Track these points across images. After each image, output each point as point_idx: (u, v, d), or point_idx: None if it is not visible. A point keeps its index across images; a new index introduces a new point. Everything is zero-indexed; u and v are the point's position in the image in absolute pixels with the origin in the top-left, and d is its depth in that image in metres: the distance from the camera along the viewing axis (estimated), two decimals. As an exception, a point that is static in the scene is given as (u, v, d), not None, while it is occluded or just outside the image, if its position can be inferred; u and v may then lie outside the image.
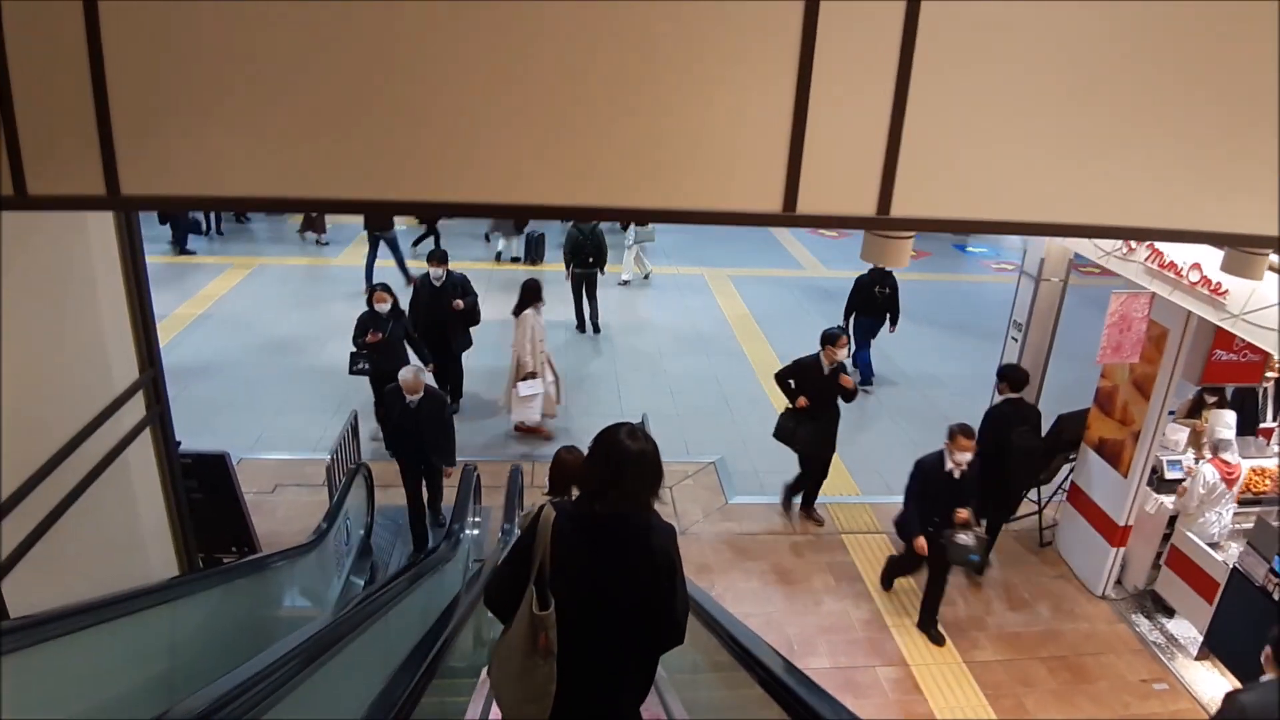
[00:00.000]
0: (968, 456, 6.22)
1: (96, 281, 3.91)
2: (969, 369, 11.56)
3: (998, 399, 7.42)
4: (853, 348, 9.93)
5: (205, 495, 5.83)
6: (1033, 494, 7.95)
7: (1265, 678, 3.97)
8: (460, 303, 8.87)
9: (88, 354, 3.82)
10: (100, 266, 3.95)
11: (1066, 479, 7.95)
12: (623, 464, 2.59)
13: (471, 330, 9.33)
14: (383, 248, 13.28)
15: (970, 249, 18.41)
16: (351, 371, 8.19)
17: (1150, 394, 6.93)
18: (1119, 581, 7.32)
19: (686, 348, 11.58)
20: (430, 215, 14.37)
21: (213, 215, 15.42)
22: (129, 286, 4.16)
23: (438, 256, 8.97)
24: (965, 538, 6.19)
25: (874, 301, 10.48)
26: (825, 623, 6.49)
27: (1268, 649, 4.01)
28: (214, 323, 11.89)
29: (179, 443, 5.61)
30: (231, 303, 12.70)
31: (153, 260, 13.81)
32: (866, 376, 10.67)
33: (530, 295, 8.57)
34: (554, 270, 15.11)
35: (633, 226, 13.67)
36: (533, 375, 8.56)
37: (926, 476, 6.43)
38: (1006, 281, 16.39)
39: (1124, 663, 6.57)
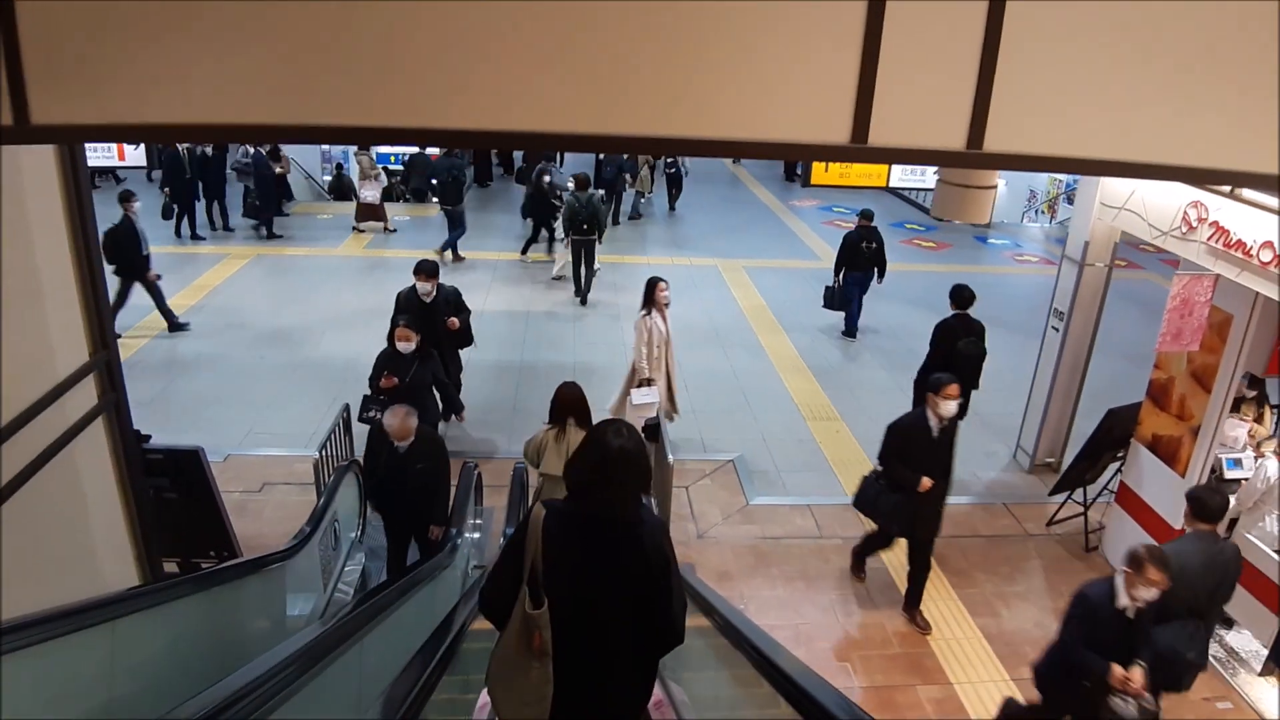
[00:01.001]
0: (1150, 593, 4.26)
1: (35, 250, 3.38)
2: (998, 362, 10.92)
3: (948, 314, 8.29)
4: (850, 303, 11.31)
5: (179, 495, 5.31)
6: (1077, 494, 7.38)
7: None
8: (455, 321, 7.78)
9: (23, 332, 3.29)
10: (40, 232, 3.42)
11: (1113, 478, 7.38)
12: (607, 461, 2.59)
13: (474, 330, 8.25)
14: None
15: (991, 240, 17.82)
16: (360, 419, 6.74)
17: (1211, 386, 6.36)
18: (1172, 590, 6.74)
19: (701, 341, 11.02)
20: (454, 201, 13.60)
21: (217, 209, 14.84)
22: (77, 257, 3.63)
23: (425, 269, 7.71)
24: (1127, 708, 4.29)
25: (861, 256, 11.08)
26: (859, 636, 5.93)
27: (1185, 507, 4.85)
28: (207, 314, 11.40)
29: (147, 437, 5.11)
30: (226, 293, 12.22)
31: (153, 251, 13.50)
32: (850, 329, 11.54)
33: (652, 292, 7.67)
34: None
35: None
36: (649, 382, 7.64)
37: (1093, 614, 4.40)
38: (1029, 273, 15.89)
39: (1183, 680, 5.99)
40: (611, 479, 2.60)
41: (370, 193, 15.44)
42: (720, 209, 18.82)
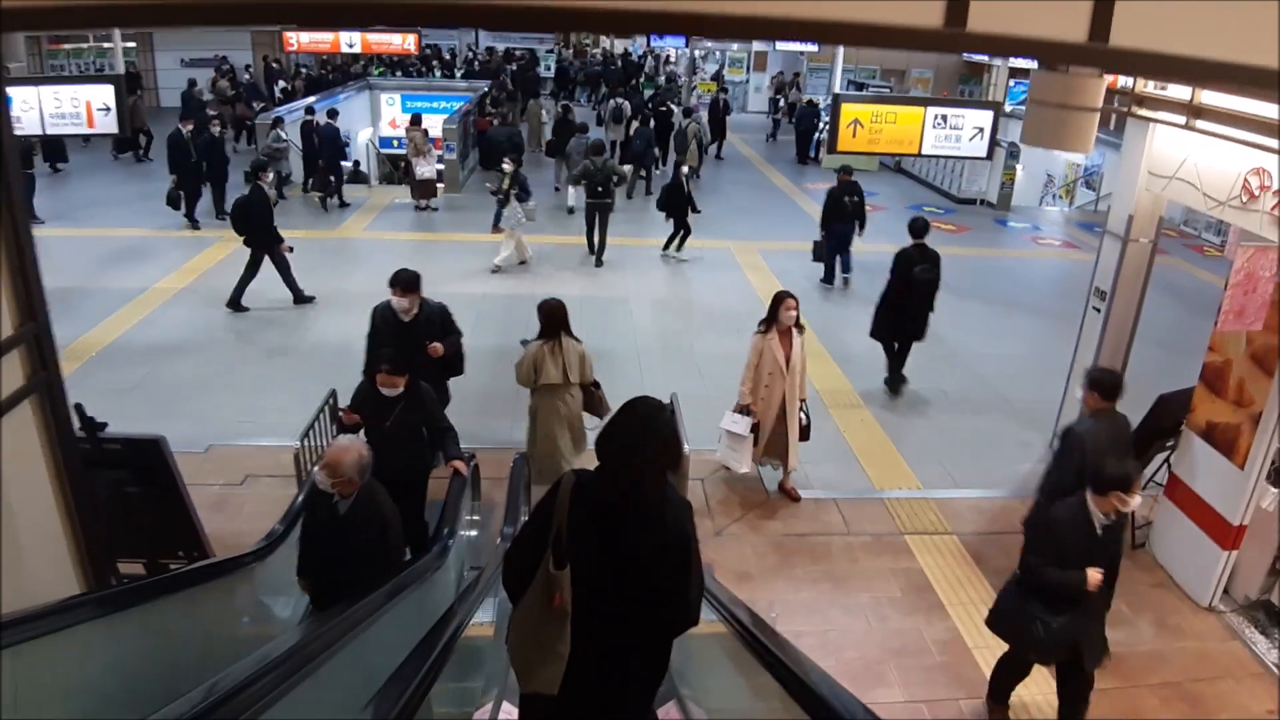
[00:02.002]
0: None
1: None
2: (1024, 347, 10.45)
3: (907, 244, 8.96)
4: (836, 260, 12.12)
5: (141, 489, 4.80)
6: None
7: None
8: (439, 347, 6.21)
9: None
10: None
11: (1159, 469, 6.82)
12: (639, 435, 2.62)
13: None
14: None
15: (1011, 223, 17.21)
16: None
17: (1273, 369, 5.79)
18: (1226, 590, 6.19)
19: (715, 325, 10.48)
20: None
21: (212, 194, 14.31)
22: (-2, 213, 3.09)
23: (403, 281, 6.09)
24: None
25: (844, 210, 11.69)
26: (894, 644, 5.39)
27: (1087, 391, 5.34)
28: (197, 297, 10.90)
29: (102, 424, 4.59)
30: (219, 275, 11.68)
31: (144, 233, 13.04)
32: (829, 277, 12.23)
33: (776, 308, 6.48)
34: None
35: (514, 203, 12.09)
36: (746, 411, 6.61)
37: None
38: (1051, 256, 15.30)
39: (1245, 690, 5.44)
40: (644, 453, 2.61)
41: (426, 168, 14.98)
42: (731, 191, 18.25)
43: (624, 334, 10.06)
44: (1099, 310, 7.60)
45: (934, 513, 6.73)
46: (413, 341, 5.99)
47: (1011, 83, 29.64)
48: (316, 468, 4.04)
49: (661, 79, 29.94)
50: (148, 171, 17.97)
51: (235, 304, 10.41)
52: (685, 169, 13.09)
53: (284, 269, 10.55)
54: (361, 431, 5.03)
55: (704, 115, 20.33)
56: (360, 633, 3.39)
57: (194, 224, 13.72)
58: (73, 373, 8.63)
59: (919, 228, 9.00)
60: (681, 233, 13.06)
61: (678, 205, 12.87)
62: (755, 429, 6.62)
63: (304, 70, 26.60)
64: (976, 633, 5.56)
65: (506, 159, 12.63)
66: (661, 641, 2.79)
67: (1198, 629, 5.92)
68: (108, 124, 7.42)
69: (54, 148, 16.69)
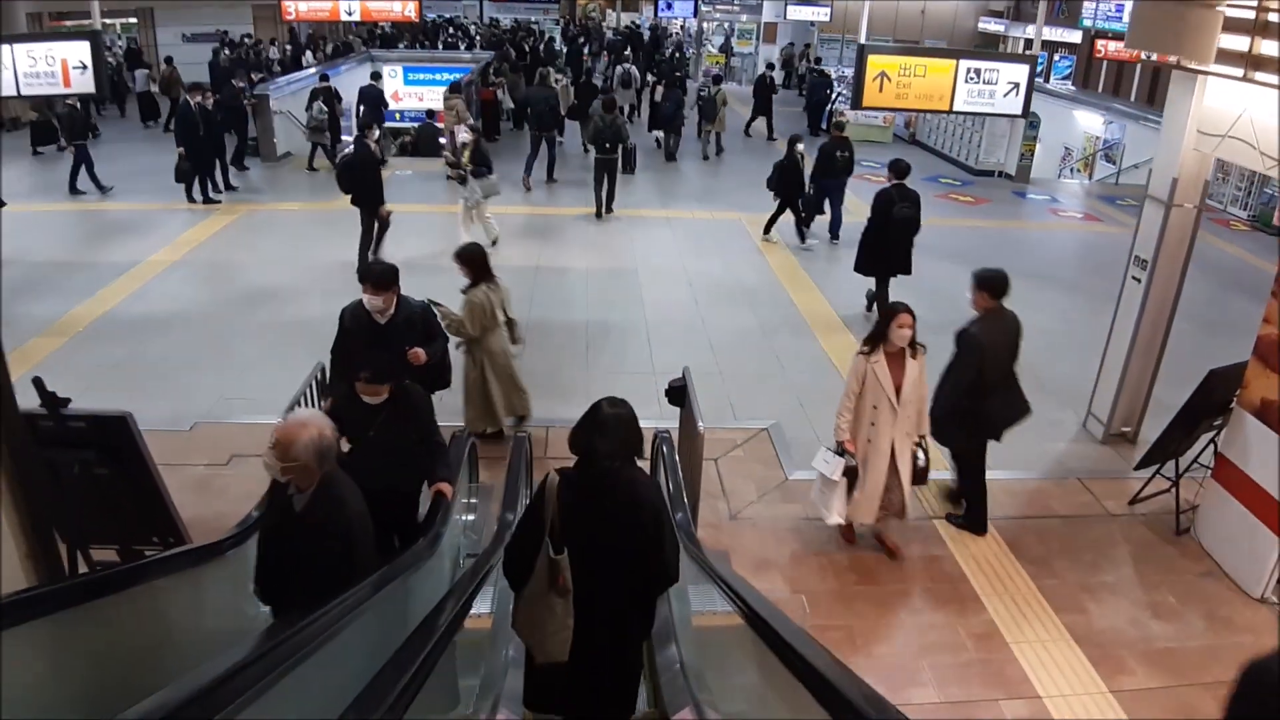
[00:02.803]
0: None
1: None
2: (1052, 322, 9.95)
3: (888, 184, 9.31)
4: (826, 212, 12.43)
5: (111, 470, 4.39)
6: (1165, 468, 6.38)
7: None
8: (421, 353, 5.25)
9: None
10: None
11: (1204, 450, 6.38)
12: (601, 425, 3.08)
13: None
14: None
15: (1030, 195, 16.66)
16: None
17: (1336, 342, 5.35)
18: None
19: (727, 298, 10.03)
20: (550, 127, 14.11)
21: (219, 168, 13.82)
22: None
23: (375, 276, 5.16)
24: None
25: (834, 165, 12.03)
26: (927, 639, 4.97)
27: (976, 292, 5.60)
28: (188, 270, 10.50)
29: (66, 400, 4.19)
30: (211, 249, 11.32)
31: (141, 207, 12.62)
32: (801, 228, 12.35)
33: (885, 324, 5.32)
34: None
35: (471, 180, 11.23)
36: (844, 451, 5.35)
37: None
38: (1074, 229, 14.77)
39: (1303, 688, 5.02)
40: (607, 441, 3.05)
41: (466, 137, 14.55)
42: (740, 162, 17.72)
43: (633, 306, 9.62)
44: (1139, 280, 7.13)
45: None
46: (389, 347, 5.03)
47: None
48: (281, 435, 3.23)
49: (669, 50, 29.33)
50: (151, 144, 17.57)
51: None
52: (800, 146, 11.90)
53: (381, 231, 10.48)
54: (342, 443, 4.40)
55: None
56: (342, 628, 3.00)
57: (207, 200, 13.14)
58: (59, 349, 8.27)
59: (901, 169, 9.27)
60: (800, 216, 12.01)
61: (791, 185, 11.82)
62: (852, 473, 5.36)
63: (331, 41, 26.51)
64: (1015, 626, 5.16)
65: (465, 127, 11.75)
66: (648, 600, 3.32)
67: (1250, 622, 5.49)
68: (84, 83, 6.97)
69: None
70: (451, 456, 4.58)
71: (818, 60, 24.40)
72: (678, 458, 4.85)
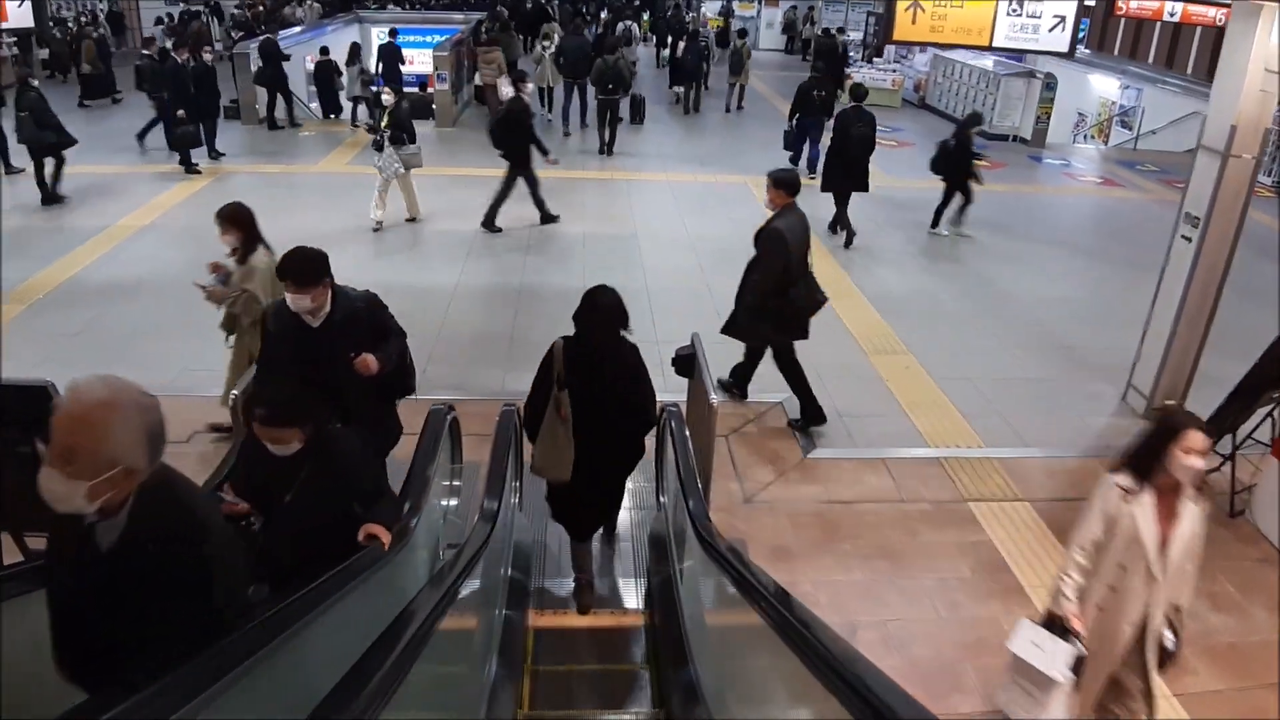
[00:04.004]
0: None
1: None
2: (1080, 290, 9.38)
3: (846, 107, 10.41)
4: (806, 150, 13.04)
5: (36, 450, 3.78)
6: (1223, 444, 5.80)
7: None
8: (371, 360, 3.89)
9: None
10: None
11: (1259, 425, 5.80)
12: (594, 308, 3.99)
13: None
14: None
15: (1046, 160, 15.98)
16: None
17: None
18: (1344, 566, 5.21)
19: (735, 263, 9.24)
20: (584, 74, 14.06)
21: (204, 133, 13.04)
22: None
23: (294, 269, 3.80)
24: None
25: (812, 104, 12.57)
26: (969, 637, 4.41)
27: (771, 191, 5.84)
28: (158, 235, 9.86)
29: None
30: (185, 213, 10.64)
31: (110, 170, 11.92)
32: (794, 161, 12.92)
33: (1161, 443, 3.30)
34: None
35: (388, 148, 9.74)
36: (1065, 631, 3.38)
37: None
38: (1093, 194, 14.10)
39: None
40: (597, 319, 3.97)
41: (508, 89, 13.94)
42: (748, 126, 17.06)
43: (634, 272, 8.99)
44: (1189, 240, 6.51)
45: (1000, 475, 5.72)
46: (327, 355, 3.83)
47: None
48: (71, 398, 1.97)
49: (668, 10, 28.53)
50: (114, 109, 16.86)
51: (490, 224, 10.16)
52: (976, 128, 10.85)
53: (534, 185, 10.22)
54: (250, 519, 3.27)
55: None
56: (297, 634, 2.44)
57: (204, 160, 12.38)
58: (17, 316, 7.66)
59: (860, 94, 10.46)
60: (961, 202, 10.74)
61: (959, 169, 10.54)
62: (1079, 664, 3.33)
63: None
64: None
65: (385, 89, 10.39)
66: (632, 437, 4.18)
67: (1318, 613, 4.94)
68: (21, 16, 6.28)
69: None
70: (426, 439, 3.92)
71: (823, 32, 23.62)
72: (687, 433, 4.26)
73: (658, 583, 4.16)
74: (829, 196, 10.31)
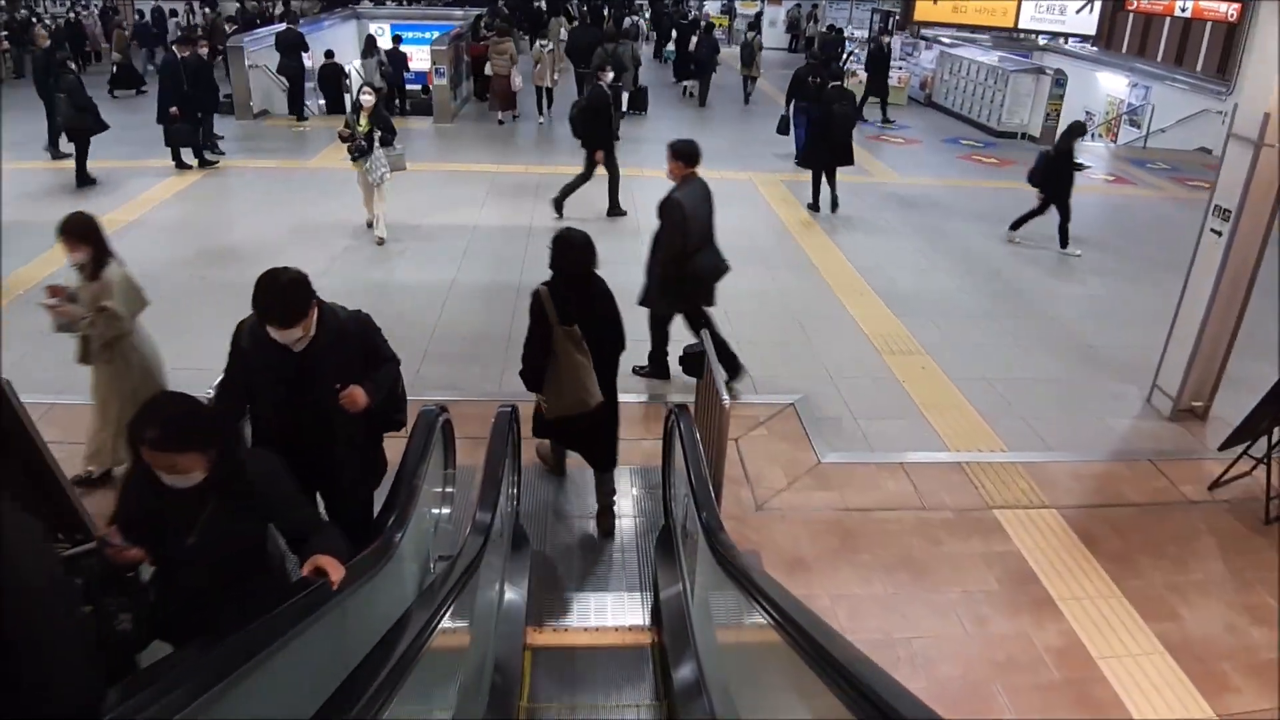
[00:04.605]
0: None
1: None
2: (1098, 287, 9.07)
3: (830, 87, 11.34)
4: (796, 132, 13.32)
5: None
6: (1257, 447, 5.51)
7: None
8: (359, 394, 3.39)
9: None
10: None
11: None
12: (568, 247, 4.29)
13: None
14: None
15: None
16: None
17: None
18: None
19: (741, 260, 8.95)
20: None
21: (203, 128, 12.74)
22: None
23: (279, 307, 3.18)
24: None
25: (808, 90, 12.89)
26: (999, 654, 4.11)
27: (672, 162, 6.07)
28: (146, 230, 9.55)
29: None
30: (174, 208, 10.38)
31: (102, 164, 11.61)
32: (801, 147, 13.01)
33: None
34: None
35: (378, 151, 8.86)
36: None
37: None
38: (1106, 192, 13.78)
39: None
40: (570, 256, 4.30)
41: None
42: (751, 121, 16.78)
43: (634, 269, 8.65)
44: (1219, 234, 6.21)
45: (1025, 480, 5.43)
46: (311, 385, 3.36)
47: (1045, 15, 27.90)
48: None
49: (669, 3, 28.39)
50: (138, 100, 16.66)
51: (615, 209, 10.42)
52: (1081, 140, 10.37)
53: (614, 174, 10.31)
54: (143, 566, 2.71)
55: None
56: (271, 656, 2.15)
57: (203, 163, 11.96)
58: (-8, 315, 7.37)
59: (838, 74, 12.09)
60: (1060, 219, 9.92)
61: (1061, 181, 9.77)
62: None
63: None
64: (1100, 638, 4.31)
65: (366, 87, 9.26)
66: (615, 357, 4.57)
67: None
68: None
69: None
70: (414, 443, 3.60)
71: (828, 28, 23.40)
72: (698, 436, 3.96)
73: (666, 599, 3.85)
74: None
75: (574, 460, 5.33)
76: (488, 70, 15.61)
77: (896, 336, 7.34)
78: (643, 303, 6.15)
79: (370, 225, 9.40)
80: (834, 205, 10.86)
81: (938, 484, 5.29)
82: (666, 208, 5.88)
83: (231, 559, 2.67)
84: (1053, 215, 9.83)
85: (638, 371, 6.48)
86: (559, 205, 10.16)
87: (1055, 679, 4.02)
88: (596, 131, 10.01)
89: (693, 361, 4.77)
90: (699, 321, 6.16)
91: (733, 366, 6.22)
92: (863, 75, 19.80)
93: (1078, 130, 10.00)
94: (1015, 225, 10.19)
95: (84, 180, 10.98)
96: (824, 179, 10.87)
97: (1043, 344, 7.41)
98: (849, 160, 10.77)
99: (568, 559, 4.50)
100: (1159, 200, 12.89)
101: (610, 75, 10.75)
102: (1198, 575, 4.92)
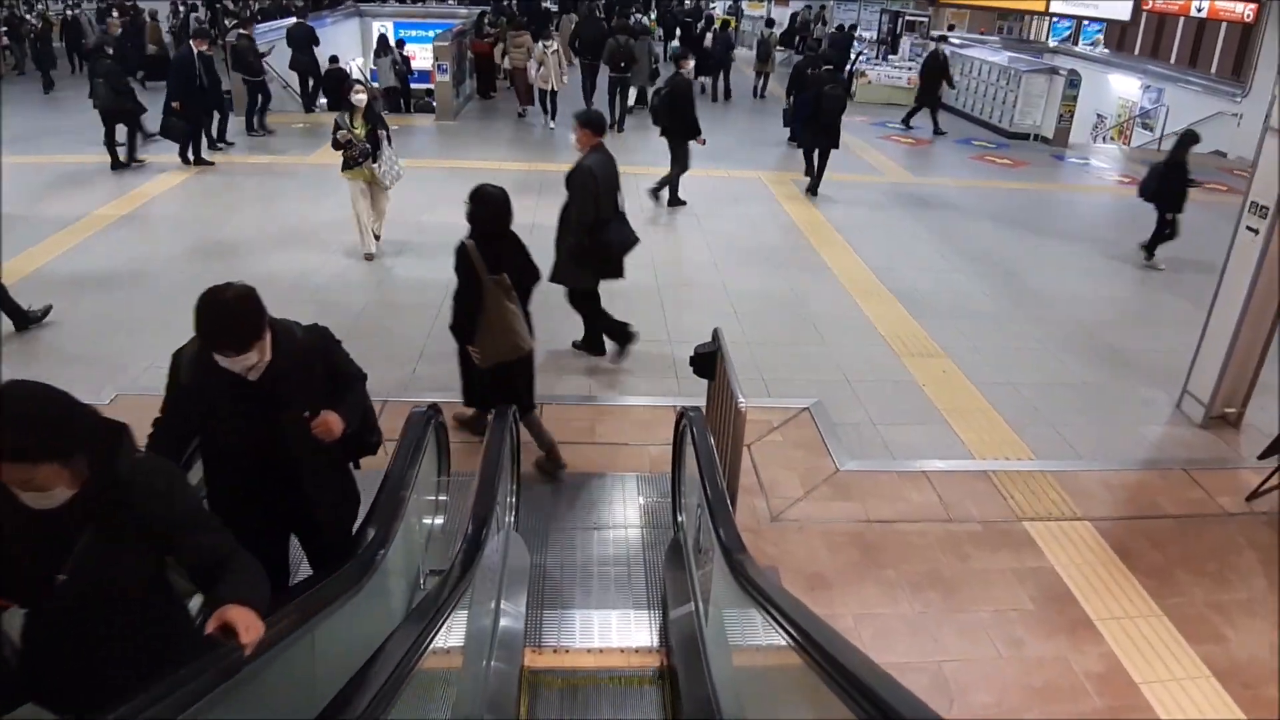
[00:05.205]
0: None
1: None
2: (1122, 290, 8.78)
3: (821, 70, 11.93)
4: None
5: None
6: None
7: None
8: (334, 420, 2.91)
9: None
10: None
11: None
12: (489, 200, 4.58)
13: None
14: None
15: (1070, 159, 15.35)
16: None
17: None
18: None
19: (751, 260, 8.80)
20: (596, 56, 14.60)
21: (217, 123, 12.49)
22: None
23: (225, 329, 2.69)
24: None
25: (806, 80, 12.98)
26: (1036, 679, 3.80)
27: (580, 132, 6.04)
28: (138, 225, 9.30)
29: None
30: (167, 203, 10.12)
31: (88, 160, 11.35)
32: (794, 136, 13.49)
33: None
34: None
35: (387, 149, 8.15)
36: None
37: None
38: (1120, 194, 13.45)
39: None
40: (484, 212, 4.58)
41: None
42: (760, 119, 16.50)
43: (642, 268, 8.38)
44: (1255, 232, 5.91)
45: (1055, 490, 5.11)
46: (275, 417, 2.89)
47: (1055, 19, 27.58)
48: None
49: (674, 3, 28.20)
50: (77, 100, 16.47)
51: (674, 199, 10.43)
52: (1192, 149, 9.55)
53: (681, 165, 10.39)
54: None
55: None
56: (231, 691, 1.86)
57: (199, 161, 11.56)
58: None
59: (828, 58, 12.63)
60: (1167, 232, 9.35)
61: (1174, 193, 9.15)
62: None
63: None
64: (1142, 661, 3.99)
65: (359, 86, 8.49)
66: (530, 290, 4.84)
67: None
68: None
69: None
70: (403, 446, 3.29)
71: (837, 28, 23.11)
72: (712, 442, 3.66)
73: (676, 618, 3.55)
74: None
75: (573, 465, 5.06)
76: (506, 64, 15.44)
77: (915, 338, 7.04)
78: (556, 279, 6.01)
79: (369, 257, 8.31)
80: (814, 187, 11.20)
81: (964, 494, 4.98)
82: (577, 177, 5.81)
83: (118, 600, 2.12)
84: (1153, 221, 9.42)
85: (575, 345, 6.59)
86: (675, 197, 10.49)
87: (1097, 706, 3.71)
88: (679, 119, 10.13)
89: (703, 361, 4.47)
90: (593, 304, 6.33)
91: (596, 343, 6.49)
92: (871, 76, 19.62)
93: (1190, 140, 9.29)
94: (1149, 251, 9.42)
95: (118, 165, 11.13)
96: (816, 159, 11.23)
97: (1067, 347, 7.10)
98: (834, 143, 11.02)
99: (569, 573, 4.20)
100: (1177, 203, 12.56)
101: (691, 64, 10.95)
102: (1240, 593, 4.60)
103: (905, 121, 16.49)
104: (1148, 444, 5.91)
